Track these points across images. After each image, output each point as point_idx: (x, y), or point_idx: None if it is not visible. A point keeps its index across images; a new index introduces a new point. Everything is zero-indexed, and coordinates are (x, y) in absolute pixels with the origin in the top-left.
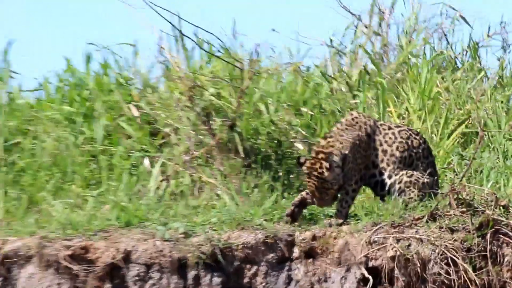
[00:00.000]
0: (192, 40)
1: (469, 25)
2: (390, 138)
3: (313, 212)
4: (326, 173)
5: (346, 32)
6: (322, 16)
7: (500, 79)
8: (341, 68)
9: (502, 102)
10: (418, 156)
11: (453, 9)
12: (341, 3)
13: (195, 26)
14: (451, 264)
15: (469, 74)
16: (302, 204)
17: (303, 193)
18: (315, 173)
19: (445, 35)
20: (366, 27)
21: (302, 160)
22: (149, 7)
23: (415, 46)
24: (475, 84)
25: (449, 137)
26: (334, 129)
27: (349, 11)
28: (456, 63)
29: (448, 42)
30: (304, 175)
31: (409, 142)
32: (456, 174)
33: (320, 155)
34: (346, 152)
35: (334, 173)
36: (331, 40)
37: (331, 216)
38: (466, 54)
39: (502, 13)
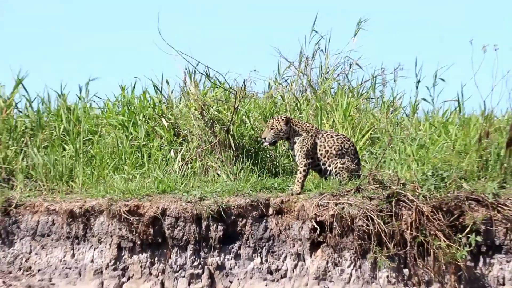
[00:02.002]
0: (202, 73)
1: (361, 68)
2: (330, 142)
3: (282, 186)
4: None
5: (285, 72)
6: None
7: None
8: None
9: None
10: (348, 153)
11: (350, 58)
12: (281, 54)
13: (205, 65)
14: (370, 219)
15: (369, 100)
16: None
17: None
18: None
19: (346, 76)
20: (297, 69)
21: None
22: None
23: (330, 82)
24: (375, 107)
25: (361, 139)
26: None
27: (286, 59)
28: (358, 92)
29: (348, 80)
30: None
31: (343, 145)
32: (367, 163)
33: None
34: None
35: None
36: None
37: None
38: (363, 88)
39: (382, 60)
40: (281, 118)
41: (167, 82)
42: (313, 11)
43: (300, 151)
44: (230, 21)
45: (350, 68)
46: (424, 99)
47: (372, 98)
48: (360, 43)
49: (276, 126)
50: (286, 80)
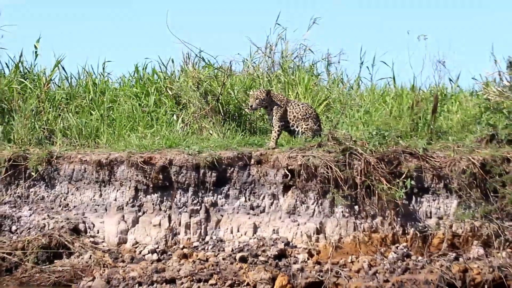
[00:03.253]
0: (197, 56)
1: (312, 52)
2: (297, 109)
3: (260, 143)
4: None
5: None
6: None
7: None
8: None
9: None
10: (311, 117)
11: (304, 45)
12: (251, 41)
13: (199, 49)
14: (329, 168)
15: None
16: None
17: None
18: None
19: (301, 59)
20: (263, 53)
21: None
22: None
23: (289, 63)
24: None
25: (319, 107)
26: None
27: (255, 45)
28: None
29: (302, 62)
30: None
31: (307, 111)
32: (325, 125)
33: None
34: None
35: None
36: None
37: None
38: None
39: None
40: (264, 90)
41: (172, 60)
42: (278, 7)
43: (275, 116)
44: (220, 16)
45: (304, 52)
46: (365, 78)
47: (321, 75)
48: (314, 34)
49: (260, 96)
50: (254, 62)
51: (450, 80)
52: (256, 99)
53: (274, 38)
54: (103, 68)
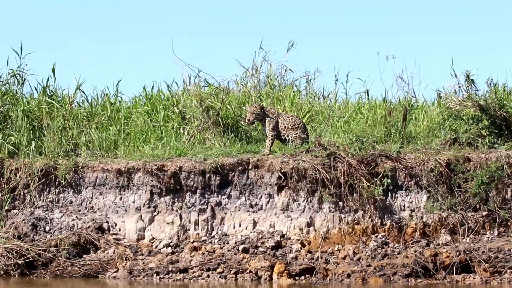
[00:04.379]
0: (199, 77)
1: (292, 71)
2: (287, 120)
3: (257, 150)
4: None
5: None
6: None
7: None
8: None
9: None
10: (299, 127)
11: (285, 65)
12: (240, 63)
13: (200, 70)
14: (316, 170)
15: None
16: None
17: None
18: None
19: (282, 77)
20: (252, 74)
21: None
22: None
23: (273, 81)
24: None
25: (304, 118)
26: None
27: (243, 66)
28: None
29: (284, 80)
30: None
31: (295, 121)
32: (316, 131)
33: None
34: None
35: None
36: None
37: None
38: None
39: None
40: (259, 106)
41: (176, 83)
42: (261, 32)
43: (268, 127)
44: (212, 38)
45: (285, 72)
46: (342, 92)
47: (302, 91)
48: (293, 55)
49: (256, 111)
50: (243, 81)
51: (415, 92)
52: (253, 113)
53: (259, 60)
54: (117, 90)
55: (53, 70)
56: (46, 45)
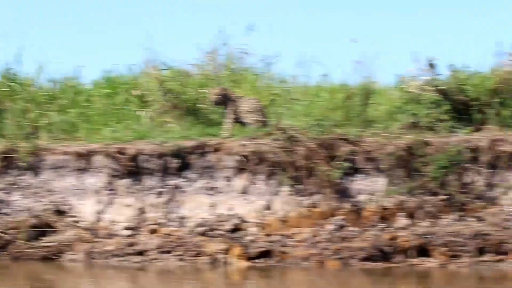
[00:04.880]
0: (158, 60)
1: (250, 55)
2: (246, 103)
3: (216, 133)
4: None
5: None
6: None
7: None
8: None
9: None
10: (259, 111)
11: (244, 50)
12: (199, 47)
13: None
14: (276, 153)
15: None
16: None
17: None
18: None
19: (242, 61)
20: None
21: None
22: None
23: (232, 65)
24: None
25: (263, 101)
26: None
27: (203, 50)
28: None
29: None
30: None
31: (254, 105)
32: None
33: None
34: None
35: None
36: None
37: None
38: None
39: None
40: (220, 89)
41: (136, 65)
42: (222, 16)
43: (228, 110)
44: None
45: (245, 55)
46: (302, 76)
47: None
48: (253, 39)
49: (217, 94)
50: (202, 64)
51: (375, 76)
52: (215, 95)
53: (219, 43)
54: (78, 73)
55: (17, 56)
56: (13, 30)
